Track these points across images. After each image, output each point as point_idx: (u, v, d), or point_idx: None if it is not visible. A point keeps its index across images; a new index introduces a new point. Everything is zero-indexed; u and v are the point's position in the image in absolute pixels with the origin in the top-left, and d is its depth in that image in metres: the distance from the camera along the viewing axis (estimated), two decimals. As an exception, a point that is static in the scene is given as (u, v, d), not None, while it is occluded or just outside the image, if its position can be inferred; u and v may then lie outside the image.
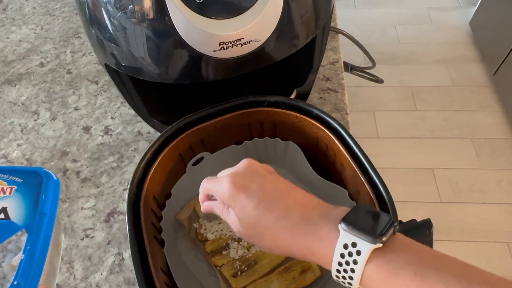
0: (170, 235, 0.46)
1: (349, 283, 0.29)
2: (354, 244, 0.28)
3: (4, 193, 0.28)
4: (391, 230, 0.28)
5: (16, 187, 0.29)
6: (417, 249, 0.28)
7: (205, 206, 0.39)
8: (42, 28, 0.83)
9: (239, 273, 0.46)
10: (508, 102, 1.59)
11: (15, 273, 0.25)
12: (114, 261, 0.50)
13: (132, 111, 0.63)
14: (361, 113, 1.69)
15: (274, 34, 0.42)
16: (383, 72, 1.80)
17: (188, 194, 0.52)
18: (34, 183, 0.30)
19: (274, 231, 0.32)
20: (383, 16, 2.09)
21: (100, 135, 0.63)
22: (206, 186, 0.39)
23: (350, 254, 0.28)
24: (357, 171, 0.42)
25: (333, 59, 0.70)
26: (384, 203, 0.40)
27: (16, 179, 0.30)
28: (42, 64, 0.75)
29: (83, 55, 0.77)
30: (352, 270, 0.28)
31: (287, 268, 0.46)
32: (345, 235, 0.28)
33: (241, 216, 0.33)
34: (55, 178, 0.31)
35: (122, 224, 0.53)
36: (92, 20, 0.43)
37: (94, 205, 0.55)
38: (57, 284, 0.48)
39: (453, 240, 1.33)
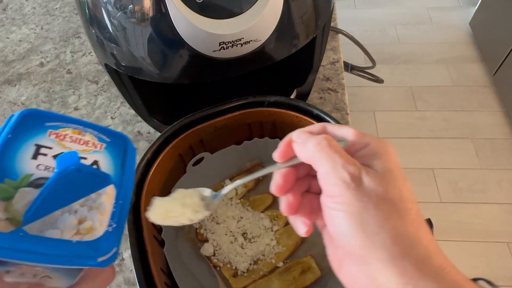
0: (170, 235, 0.46)
1: None
2: None
3: (95, 147, 0.29)
4: None
5: (105, 144, 0.29)
6: None
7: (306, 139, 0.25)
8: (42, 28, 0.82)
9: (239, 273, 0.46)
10: (508, 102, 1.59)
11: (108, 220, 0.26)
12: (114, 261, 0.50)
13: (132, 111, 0.63)
14: (361, 113, 1.69)
15: (274, 34, 0.42)
16: (383, 72, 1.80)
17: (188, 194, 0.52)
18: (120, 145, 0.30)
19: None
20: (383, 16, 2.09)
21: (100, 135, 0.63)
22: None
23: None
24: (357, 171, 0.42)
25: (333, 59, 0.70)
26: (384, 203, 0.40)
27: (105, 137, 0.30)
28: (42, 64, 0.75)
29: (83, 55, 0.77)
30: None
31: (287, 269, 0.46)
32: None
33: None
34: (133, 146, 0.32)
35: (122, 224, 0.53)
36: (92, 20, 0.43)
37: (94, 205, 0.55)
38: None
39: (453, 240, 1.33)
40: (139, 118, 0.58)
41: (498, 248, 1.29)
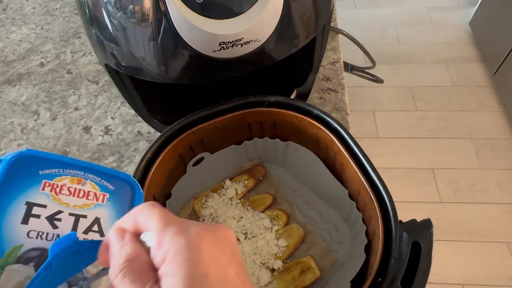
0: (170, 235, 0.46)
1: None
2: None
3: (97, 200, 0.25)
4: None
5: (108, 195, 0.25)
6: None
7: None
8: (42, 28, 0.83)
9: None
10: (508, 102, 1.59)
11: None
12: None
13: (132, 111, 0.63)
14: (361, 113, 1.69)
15: (274, 34, 0.42)
16: (383, 72, 1.80)
17: (188, 194, 0.52)
18: (125, 193, 0.26)
19: None
20: (383, 16, 2.09)
21: (100, 135, 0.63)
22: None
23: None
24: (357, 171, 0.42)
25: (333, 59, 0.70)
26: (384, 203, 0.40)
27: (108, 185, 0.26)
28: (42, 64, 0.75)
29: (83, 55, 0.77)
30: None
31: (286, 269, 0.46)
32: None
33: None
34: (141, 191, 0.28)
35: (122, 224, 0.53)
36: (92, 20, 0.43)
37: (94, 205, 0.55)
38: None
39: (453, 240, 1.33)
40: (139, 118, 0.58)
41: (498, 248, 1.29)
